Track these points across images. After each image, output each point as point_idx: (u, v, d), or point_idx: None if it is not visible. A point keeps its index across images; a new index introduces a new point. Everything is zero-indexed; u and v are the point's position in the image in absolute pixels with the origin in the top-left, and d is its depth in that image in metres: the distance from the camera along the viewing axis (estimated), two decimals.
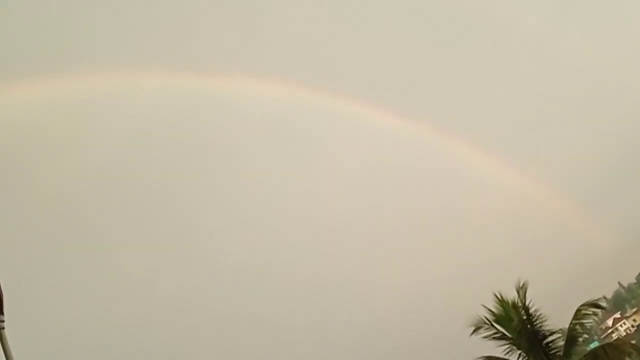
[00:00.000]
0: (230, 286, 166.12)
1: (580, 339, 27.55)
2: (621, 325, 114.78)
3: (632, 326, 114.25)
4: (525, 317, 25.22)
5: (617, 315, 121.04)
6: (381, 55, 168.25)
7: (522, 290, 25.60)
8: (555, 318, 25.83)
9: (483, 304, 25.75)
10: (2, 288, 4.76)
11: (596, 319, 29.25)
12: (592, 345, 31.94)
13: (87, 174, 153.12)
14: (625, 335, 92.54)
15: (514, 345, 25.41)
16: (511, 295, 25.63)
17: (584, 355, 26.28)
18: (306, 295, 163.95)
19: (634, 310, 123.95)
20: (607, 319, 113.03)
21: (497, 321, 25.46)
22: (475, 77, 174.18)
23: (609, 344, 31.07)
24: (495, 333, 25.56)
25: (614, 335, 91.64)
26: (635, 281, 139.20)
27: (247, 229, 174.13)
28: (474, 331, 25.64)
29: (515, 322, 25.15)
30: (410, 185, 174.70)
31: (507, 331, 25.45)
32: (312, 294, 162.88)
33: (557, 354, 25.24)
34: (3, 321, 4.84)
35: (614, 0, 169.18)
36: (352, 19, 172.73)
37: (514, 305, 25.38)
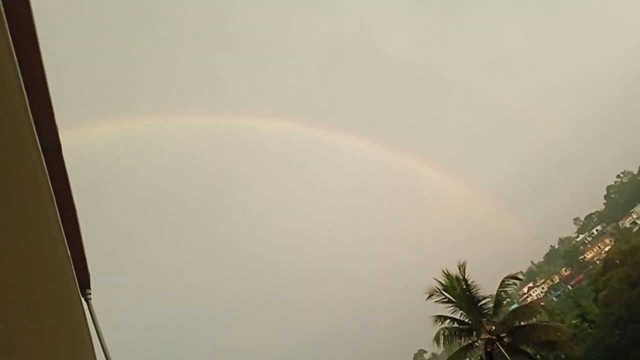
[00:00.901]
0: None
1: (505, 302, 27.74)
2: (533, 292, 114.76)
3: (541, 292, 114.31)
4: (464, 287, 25.45)
5: (531, 284, 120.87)
6: (360, 102, 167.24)
7: (462, 267, 26.00)
8: (486, 287, 25.94)
9: (435, 278, 25.70)
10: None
11: (515, 287, 29.07)
12: (513, 307, 31.73)
13: (139, 196, 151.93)
14: (536, 299, 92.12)
15: (457, 307, 25.42)
16: (455, 272, 25.62)
17: (507, 314, 26.42)
18: (302, 274, 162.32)
19: (542, 281, 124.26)
20: (523, 287, 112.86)
21: (445, 290, 25.62)
22: (429, 115, 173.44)
23: (525, 305, 31.21)
24: (443, 299, 25.66)
25: (529, 299, 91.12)
26: (542, 260, 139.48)
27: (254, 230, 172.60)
28: (429, 297, 25.77)
29: (457, 290, 25.26)
30: (380, 194, 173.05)
31: (452, 297, 25.48)
32: (307, 272, 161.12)
33: (488, 313, 25.22)
34: (90, 293, 4.66)
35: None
36: (340, 73, 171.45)
37: (457, 278, 25.57)
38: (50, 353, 3.78)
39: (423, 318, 27.90)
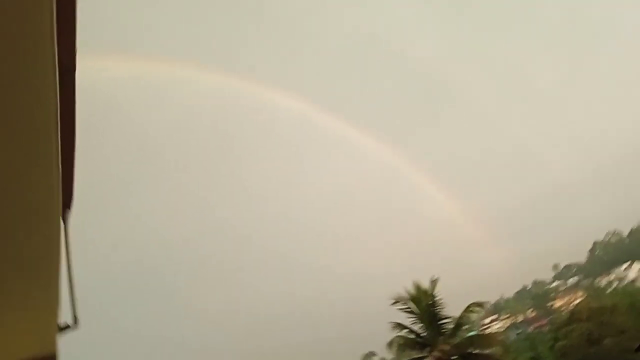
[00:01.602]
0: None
1: (465, 327, 27.92)
2: (495, 324, 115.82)
3: (502, 327, 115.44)
4: (430, 302, 25.65)
5: (494, 317, 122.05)
6: (376, 102, 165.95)
7: (433, 283, 26.10)
8: (451, 308, 26.15)
9: (405, 287, 25.98)
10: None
11: (479, 315, 29.37)
12: (472, 333, 32.09)
13: (136, 138, 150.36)
14: (496, 332, 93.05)
15: (419, 319, 25.64)
16: (426, 285, 25.86)
17: (464, 338, 26.73)
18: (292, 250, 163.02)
19: (506, 316, 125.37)
20: (487, 317, 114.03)
21: (411, 300, 25.66)
22: (441, 131, 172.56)
23: (484, 335, 31.63)
24: (407, 308, 25.89)
25: (488, 330, 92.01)
26: (512, 297, 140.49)
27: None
28: (394, 303, 25.93)
29: (423, 303, 25.46)
30: (374, 197, 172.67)
31: (416, 309, 25.64)
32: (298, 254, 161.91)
33: (446, 332, 25.53)
34: (68, 214, 4.68)
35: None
36: (361, 70, 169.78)
37: (426, 292, 25.67)
38: (15, 260, 3.85)
39: (382, 323, 28.22)
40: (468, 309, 26.80)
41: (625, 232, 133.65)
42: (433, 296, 26.13)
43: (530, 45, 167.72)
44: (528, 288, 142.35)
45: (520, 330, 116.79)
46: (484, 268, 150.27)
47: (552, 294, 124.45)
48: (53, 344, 4.91)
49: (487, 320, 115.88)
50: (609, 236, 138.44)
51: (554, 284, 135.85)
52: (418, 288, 26.41)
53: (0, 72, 2.15)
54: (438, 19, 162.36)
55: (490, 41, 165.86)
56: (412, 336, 26.29)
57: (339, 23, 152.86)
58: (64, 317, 4.82)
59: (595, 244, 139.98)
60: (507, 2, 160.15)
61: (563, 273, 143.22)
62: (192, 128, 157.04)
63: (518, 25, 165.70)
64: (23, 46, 2.11)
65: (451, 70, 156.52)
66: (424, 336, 26.10)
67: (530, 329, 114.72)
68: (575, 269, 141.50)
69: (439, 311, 26.20)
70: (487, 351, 27.00)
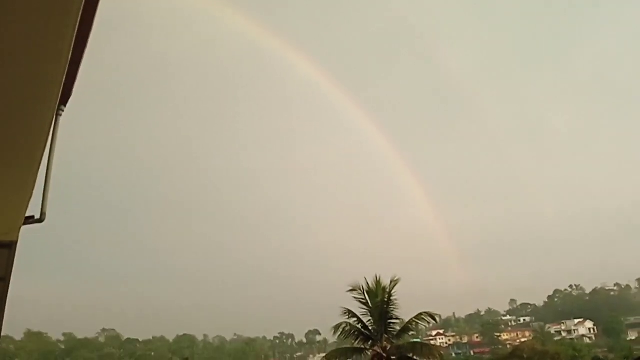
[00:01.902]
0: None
1: (410, 332, 28.34)
2: (440, 338, 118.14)
3: (446, 343, 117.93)
4: (385, 299, 25.84)
5: (441, 331, 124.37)
6: (391, 98, 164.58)
7: (393, 282, 26.46)
8: (403, 311, 26.50)
9: (365, 277, 26.33)
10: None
11: (427, 325, 29.80)
12: (415, 340, 32.73)
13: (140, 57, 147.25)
14: (438, 346, 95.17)
15: (370, 313, 25.99)
16: (386, 283, 26.22)
17: (407, 343, 27.27)
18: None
19: (453, 334, 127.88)
20: (433, 330, 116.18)
21: (368, 292, 26.03)
22: (447, 144, 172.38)
23: (426, 344, 32.09)
24: (362, 299, 26.17)
25: (432, 342, 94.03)
26: (463, 317, 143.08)
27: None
28: (350, 290, 26.24)
29: (378, 298, 25.78)
30: (363, 189, 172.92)
31: (369, 301, 26.02)
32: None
33: (392, 333, 25.99)
34: (63, 111, 4.65)
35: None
36: (388, 65, 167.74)
37: (384, 288, 25.99)
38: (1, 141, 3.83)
39: (334, 306, 28.61)
40: (419, 316, 27.18)
41: (588, 290, 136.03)
42: (390, 294, 26.44)
43: (556, 91, 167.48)
44: (481, 314, 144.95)
45: (462, 351, 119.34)
46: (446, 285, 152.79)
47: (502, 326, 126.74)
48: (15, 231, 4.92)
49: (434, 333, 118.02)
50: (572, 289, 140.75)
51: (506, 317, 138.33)
52: (377, 283, 26.71)
53: None
54: (477, 37, 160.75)
55: (520, 75, 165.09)
56: (359, 326, 26.68)
57: (383, 8, 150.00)
58: (33, 209, 4.83)
59: (556, 291, 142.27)
60: (548, 45, 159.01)
61: (517, 310, 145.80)
62: (206, 61, 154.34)
63: (550, 69, 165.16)
64: None
65: (476, 90, 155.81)
66: (370, 330, 26.49)
67: (472, 352, 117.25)
68: (530, 309, 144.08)
69: (391, 310, 26.56)
70: None
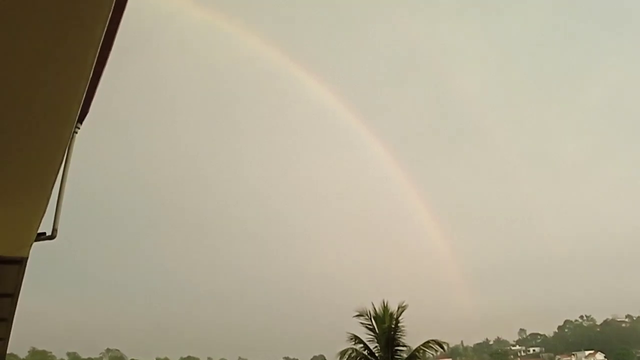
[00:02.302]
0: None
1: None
2: None
3: None
4: (393, 326, 25.44)
5: (449, 359, 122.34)
6: (402, 120, 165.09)
7: (401, 308, 26.09)
8: (410, 338, 26.06)
9: (372, 302, 26.02)
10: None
11: (434, 353, 29.28)
12: None
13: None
14: None
15: (376, 339, 25.60)
16: (393, 308, 25.91)
17: None
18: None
19: None
20: (441, 358, 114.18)
21: (375, 317, 25.66)
22: (456, 169, 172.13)
23: None
24: (369, 324, 25.81)
25: None
26: (472, 346, 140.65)
27: None
28: (357, 315, 25.89)
29: (385, 325, 25.37)
30: (371, 209, 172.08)
31: (376, 327, 25.64)
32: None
33: None
34: (79, 128, 4.71)
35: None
36: (396, 85, 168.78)
37: (391, 314, 25.62)
38: (17, 157, 3.86)
39: (340, 330, 28.24)
40: (427, 344, 26.72)
41: (599, 321, 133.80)
42: (397, 321, 26.06)
43: (566, 118, 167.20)
44: (490, 343, 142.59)
45: None
46: (454, 310, 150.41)
47: (511, 356, 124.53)
48: (26, 249, 4.93)
49: None
50: (583, 319, 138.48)
51: (516, 347, 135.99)
52: (385, 308, 26.36)
53: None
54: (488, 65, 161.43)
55: (530, 102, 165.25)
56: (365, 352, 26.26)
57: (393, 33, 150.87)
58: (45, 225, 4.85)
59: (566, 322, 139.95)
60: (559, 74, 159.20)
61: (527, 339, 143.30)
62: (209, 81, 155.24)
63: (561, 96, 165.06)
64: None
65: (485, 116, 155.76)
66: (377, 357, 26.06)
67: None
68: (540, 339, 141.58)
69: (398, 337, 26.14)
70: None
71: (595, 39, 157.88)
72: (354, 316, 26.61)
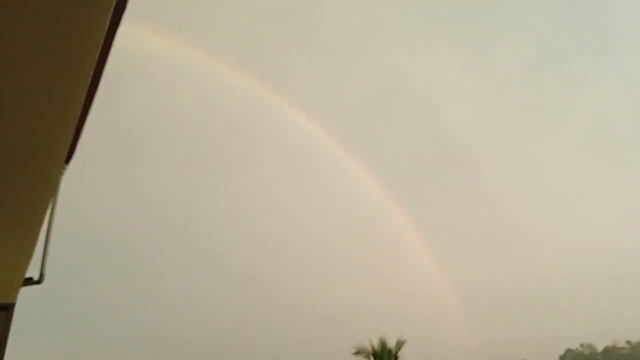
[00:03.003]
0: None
1: None
2: None
3: None
4: None
5: None
6: (391, 151, 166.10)
7: (399, 344, 25.57)
8: None
9: (370, 339, 25.60)
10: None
11: None
12: None
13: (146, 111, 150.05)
14: None
15: None
16: (392, 343, 25.49)
17: None
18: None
19: None
20: None
21: (373, 354, 25.19)
22: (456, 201, 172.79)
23: None
24: None
25: None
26: None
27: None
28: (356, 353, 25.38)
29: None
30: (369, 239, 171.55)
31: None
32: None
33: None
34: (65, 169, 4.68)
35: None
36: (390, 115, 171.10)
37: (390, 351, 25.19)
38: (3, 201, 3.82)
39: None
40: None
41: (600, 348, 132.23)
42: (396, 357, 25.64)
43: (557, 146, 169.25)
44: None
45: None
46: (453, 343, 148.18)
47: None
48: (14, 294, 4.84)
49: None
50: (583, 347, 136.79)
51: None
52: (383, 345, 25.93)
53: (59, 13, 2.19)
54: (478, 95, 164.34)
55: (520, 128, 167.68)
56: None
57: (380, 65, 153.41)
58: (31, 270, 4.77)
59: (567, 351, 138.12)
60: (549, 102, 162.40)
61: None
62: (207, 121, 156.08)
63: (551, 125, 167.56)
64: None
65: (477, 144, 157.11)
66: None
67: None
68: None
69: None
70: None
71: (580, 66, 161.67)
72: (352, 354, 26.14)
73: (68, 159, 4.29)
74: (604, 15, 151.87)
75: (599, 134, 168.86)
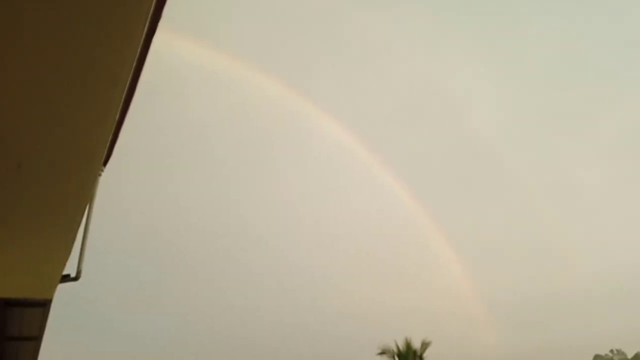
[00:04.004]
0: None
1: None
2: None
3: None
4: None
5: None
6: (420, 159, 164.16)
7: (424, 345, 25.41)
8: None
9: (395, 340, 25.50)
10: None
11: None
12: None
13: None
14: None
15: None
16: (417, 344, 25.34)
17: None
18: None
19: None
20: None
21: (398, 355, 25.07)
22: (484, 210, 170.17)
23: None
24: None
25: None
26: None
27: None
28: (380, 353, 25.33)
29: None
30: (395, 244, 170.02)
31: None
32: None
33: None
34: (103, 171, 4.79)
35: None
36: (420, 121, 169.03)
37: (414, 352, 25.02)
38: (43, 201, 3.92)
39: None
40: None
41: (630, 354, 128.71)
42: (421, 357, 25.47)
43: (585, 150, 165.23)
44: None
45: None
46: (479, 347, 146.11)
47: None
48: (51, 290, 4.95)
49: None
50: (613, 354, 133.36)
51: None
52: (408, 346, 25.78)
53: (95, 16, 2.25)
54: (505, 100, 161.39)
55: (548, 135, 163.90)
56: None
57: (409, 71, 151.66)
58: (69, 267, 4.88)
59: (596, 357, 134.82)
60: (577, 106, 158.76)
61: None
62: (234, 127, 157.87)
63: (579, 129, 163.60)
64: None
65: (506, 149, 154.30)
66: None
67: None
68: None
69: None
70: None
71: (611, 71, 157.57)
72: (377, 354, 26.07)
73: (106, 161, 4.38)
74: (637, 11, 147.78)
75: (630, 139, 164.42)
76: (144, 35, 2.49)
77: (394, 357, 25.77)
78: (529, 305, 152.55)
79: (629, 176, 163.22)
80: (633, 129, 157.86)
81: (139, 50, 2.55)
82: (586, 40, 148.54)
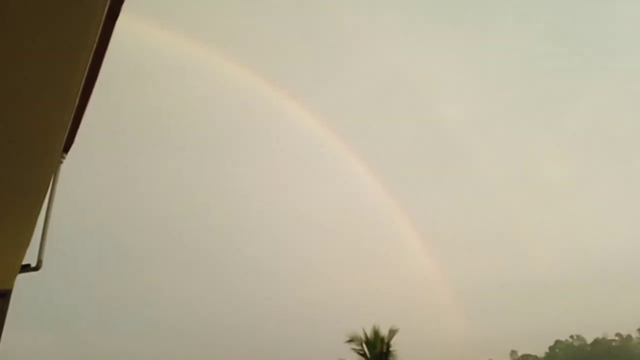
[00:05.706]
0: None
1: None
2: None
3: None
4: (384, 351, 25.12)
5: None
6: (388, 146, 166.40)
7: (392, 333, 25.78)
8: None
9: (363, 328, 25.73)
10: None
11: None
12: None
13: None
14: None
15: None
16: (385, 332, 25.65)
17: None
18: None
19: None
20: None
21: (366, 342, 25.35)
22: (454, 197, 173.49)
23: None
24: (360, 350, 25.44)
25: None
26: None
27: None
28: (349, 341, 25.57)
29: (376, 349, 25.06)
30: (364, 232, 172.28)
31: (368, 352, 25.30)
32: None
33: None
34: (64, 158, 4.65)
35: None
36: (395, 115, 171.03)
37: (382, 339, 25.35)
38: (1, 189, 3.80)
39: (331, 356, 27.90)
40: None
41: (589, 340, 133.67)
42: (389, 345, 25.82)
43: (552, 143, 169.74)
44: None
45: None
46: (445, 334, 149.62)
47: None
48: (11, 281, 4.82)
49: None
50: (573, 339, 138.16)
51: None
52: (376, 333, 26.11)
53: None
54: (477, 86, 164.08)
55: (515, 127, 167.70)
56: None
57: (379, 63, 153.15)
58: (29, 257, 4.75)
59: (557, 342, 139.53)
60: (544, 99, 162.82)
61: None
62: (206, 114, 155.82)
63: (546, 121, 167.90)
64: None
65: (472, 140, 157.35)
66: None
67: None
68: None
69: None
70: None
71: (577, 64, 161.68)
72: (345, 341, 26.31)
73: (67, 148, 4.26)
74: (602, 11, 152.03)
75: (593, 131, 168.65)
76: (104, 17, 2.41)
77: (362, 344, 26.07)
78: (494, 292, 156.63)
79: (593, 168, 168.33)
80: (597, 122, 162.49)
81: (99, 31, 2.47)
82: (554, 35, 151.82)
